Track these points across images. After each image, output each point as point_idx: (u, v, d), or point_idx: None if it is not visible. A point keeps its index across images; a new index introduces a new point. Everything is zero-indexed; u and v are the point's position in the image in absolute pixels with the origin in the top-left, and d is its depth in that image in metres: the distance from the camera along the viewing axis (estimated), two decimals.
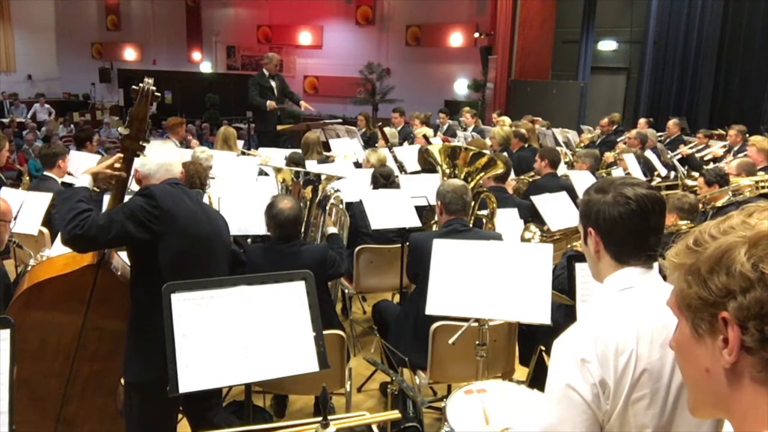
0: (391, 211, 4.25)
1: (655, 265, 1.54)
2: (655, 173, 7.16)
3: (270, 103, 8.12)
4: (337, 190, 4.21)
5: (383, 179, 4.83)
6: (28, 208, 4.16)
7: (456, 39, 15.69)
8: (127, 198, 2.56)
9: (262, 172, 5.64)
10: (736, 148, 7.53)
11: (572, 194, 4.63)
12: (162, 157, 2.58)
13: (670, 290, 1.58)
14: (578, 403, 1.37)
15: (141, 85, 2.43)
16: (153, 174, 2.57)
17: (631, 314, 1.45)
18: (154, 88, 2.46)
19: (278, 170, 4.06)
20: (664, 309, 1.45)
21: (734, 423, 0.89)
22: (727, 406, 0.89)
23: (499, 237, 3.40)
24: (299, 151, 6.41)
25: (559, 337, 1.44)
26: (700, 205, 4.93)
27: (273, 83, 8.42)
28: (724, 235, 0.86)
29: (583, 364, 1.37)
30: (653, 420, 1.39)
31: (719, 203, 4.92)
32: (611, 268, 1.54)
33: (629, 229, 1.51)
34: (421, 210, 4.36)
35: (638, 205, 1.50)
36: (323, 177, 3.86)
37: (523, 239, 3.88)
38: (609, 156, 7.54)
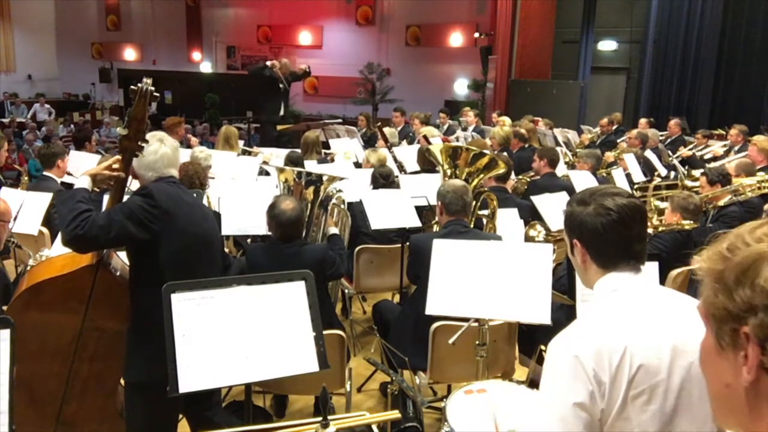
0: (391, 211, 4.25)
1: (648, 266, 1.56)
2: (656, 173, 7.16)
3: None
4: (339, 191, 4.21)
5: (383, 179, 4.82)
6: (28, 208, 4.15)
7: (456, 39, 15.69)
8: (126, 198, 2.55)
9: (262, 172, 5.64)
10: (737, 148, 7.53)
11: (572, 194, 4.62)
12: (155, 161, 2.55)
13: (660, 291, 1.59)
14: (571, 406, 1.38)
15: (140, 85, 2.42)
16: (147, 175, 2.56)
17: (621, 313, 1.47)
18: (152, 88, 2.45)
19: (281, 170, 4.06)
20: (654, 307, 1.47)
21: None
22: (746, 426, 0.83)
23: (498, 239, 3.40)
24: (298, 150, 6.41)
25: (553, 339, 1.47)
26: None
27: (281, 86, 8.57)
28: (758, 243, 0.79)
29: (577, 361, 1.38)
30: (655, 417, 1.38)
31: (721, 203, 4.92)
32: (598, 275, 1.58)
33: (612, 239, 1.54)
34: (421, 210, 4.36)
35: (619, 215, 1.53)
36: (325, 178, 3.86)
37: (527, 237, 3.88)
38: (609, 156, 7.54)
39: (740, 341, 0.80)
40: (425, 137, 7.34)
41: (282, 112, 8.97)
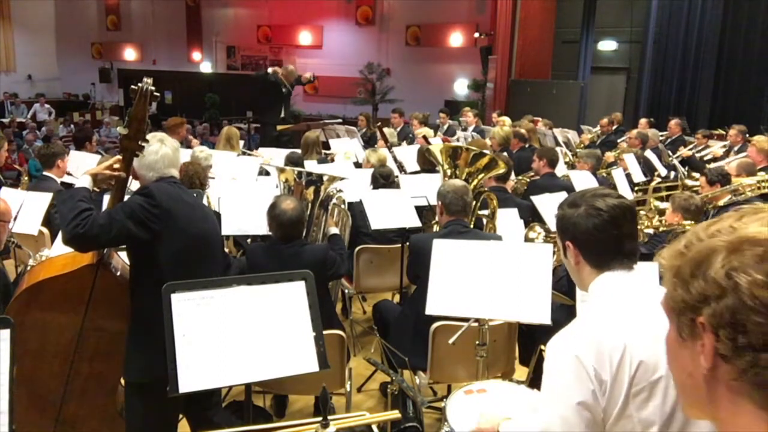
0: (391, 211, 4.25)
1: (649, 266, 1.57)
2: (656, 173, 7.16)
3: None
4: (340, 191, 4.21)
5: (383, 179, 4.82)
6: (28, 208, 4.16)
7: (456, 39, 15.69)
8: (127, 198, 2.55)
9: (262, 172, 5.63)
10: (736, 148, 7.53)
11: None
12: (156, 161, 2.56)
13: (656, 289, 1.61)
14: (573, 405, 1.39)
15: (140, 84, 2.43)
16: (148, 175, 2.56)
17: (618, 312, 1.49)
18: (152, 87, 2.45)
19: (281, 170, 4.06)
20: (649, 305, 1.49)
21: (717, 430, 0.88)
22: (710, 413, 0.88)
23: (498, 239, 3.40)
24: (298, 150, 6.41)
25: (552, 339, 1.49)
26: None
27: (284, 90, 8.61)
28: (711, 238, 0.85)
29: (577, 361, 1.40)
30: (656, 411, 1.40)
31: (720, 203, 4.93)
32: (592, 275, 1.61)
33: (604, 239, 1.58)
34: (421, 210, 4.36)
35: (610, 215, 1.58)
36: (325, 178, 3.86)
37: (527, 239, 3.88)
38: (609, 156, 7.54)
39: (697, 331, 0.85)
40: (424, 137, 7.35)
41: (283, 114, 8.98)
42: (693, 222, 4.08)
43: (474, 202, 3.70)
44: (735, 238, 0.82)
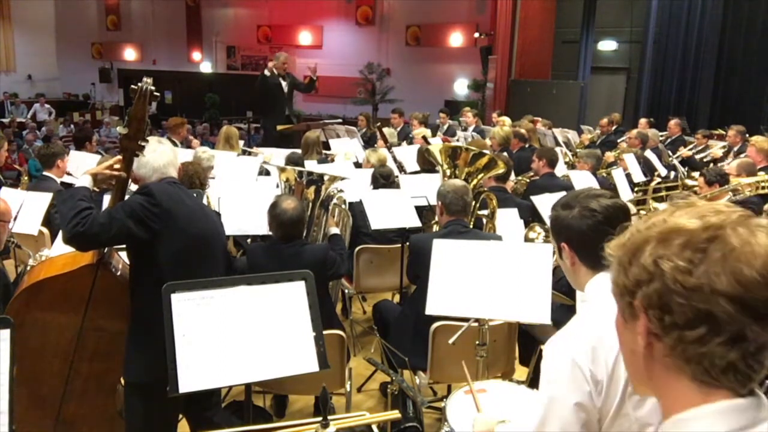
0: (391, 211, 4.24)
1: None
2: (656, 173, 7.16)
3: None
4: (341, 191, 4.21)
5: (383, 179, 4.82)
6: (28, 208, 4.16)
7: (456, 39, 15.70)
8: (127, 197, 2.55)
9: (263, 171, 5.63)
10: (736, 149, 7.53)
11: None
12: (155, 161, 2.56)
13: None
14: (570, 407, 1.40)
15: (140, 84, 2.43)
16: (148, 176, 2.57)
17: (613, 312, 1.48)
18: (152, 87, 2.45)
19: (282, 170, 4.06)
20: None
21: (660, 404, 0.96)
22: (652, 388, 0.97)
23: (498, 239, 3.40)
24: (298, 150, 6.41)
25: (549, 341, 1.49)
26: None
27: (282, 81, 8.54)
28: (646, 230, 0.94)
29: (573, 363, 1.41)
30: (653, 411, 1.40)
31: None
32: (588, 276, 1.62)
33: (599, 239, 1.59)
34: (421, 210, 4.36)
35: (604, 215, 1.59)
36: (326, 177, 3.86)
37: (527, 239, 3.88)
38: (609, 156, 7.54)
39: (635, 312, 0.94)
40: (423, 138, 7.35)
41: (287, 112, 8.95)
42: None
43: (474, 202, 3.70)
44: (664, 229, 0.91)
